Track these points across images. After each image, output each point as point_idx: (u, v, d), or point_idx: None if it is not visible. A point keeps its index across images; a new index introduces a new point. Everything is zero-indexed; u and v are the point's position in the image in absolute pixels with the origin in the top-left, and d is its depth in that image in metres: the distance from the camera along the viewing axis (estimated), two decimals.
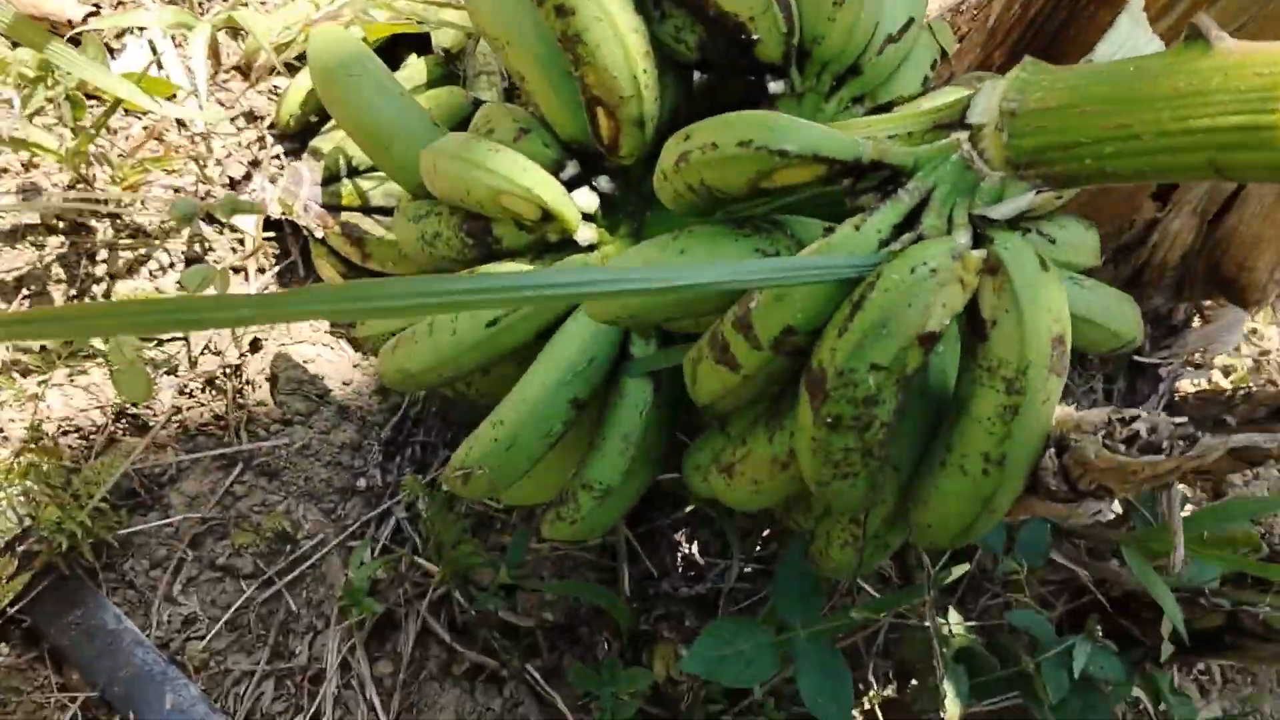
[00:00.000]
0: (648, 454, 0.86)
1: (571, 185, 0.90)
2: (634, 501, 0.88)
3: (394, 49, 1.38)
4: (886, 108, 0.91)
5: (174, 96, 1.29)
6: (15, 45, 1.17)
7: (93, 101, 1.27)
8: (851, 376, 0.62)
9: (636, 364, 0.85)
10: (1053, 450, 0.64)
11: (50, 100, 1.12)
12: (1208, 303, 1.22)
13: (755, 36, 0.81)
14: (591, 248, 0.90)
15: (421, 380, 0.88)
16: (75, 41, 1.34)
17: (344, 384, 1.28)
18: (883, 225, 0.65)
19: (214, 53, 1.30)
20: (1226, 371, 1.39)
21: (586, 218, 0.89)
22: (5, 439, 1.14)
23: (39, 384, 1.16)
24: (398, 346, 0.88)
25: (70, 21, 1.29)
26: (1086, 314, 0.81)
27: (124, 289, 1.26)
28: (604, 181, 0.90)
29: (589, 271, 0.49)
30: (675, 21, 0.85)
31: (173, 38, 1.34)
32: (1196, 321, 1.25)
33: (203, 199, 1.32)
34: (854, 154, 0.66)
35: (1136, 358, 1.15)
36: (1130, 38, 0.70)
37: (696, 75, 0.95)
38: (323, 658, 1.10)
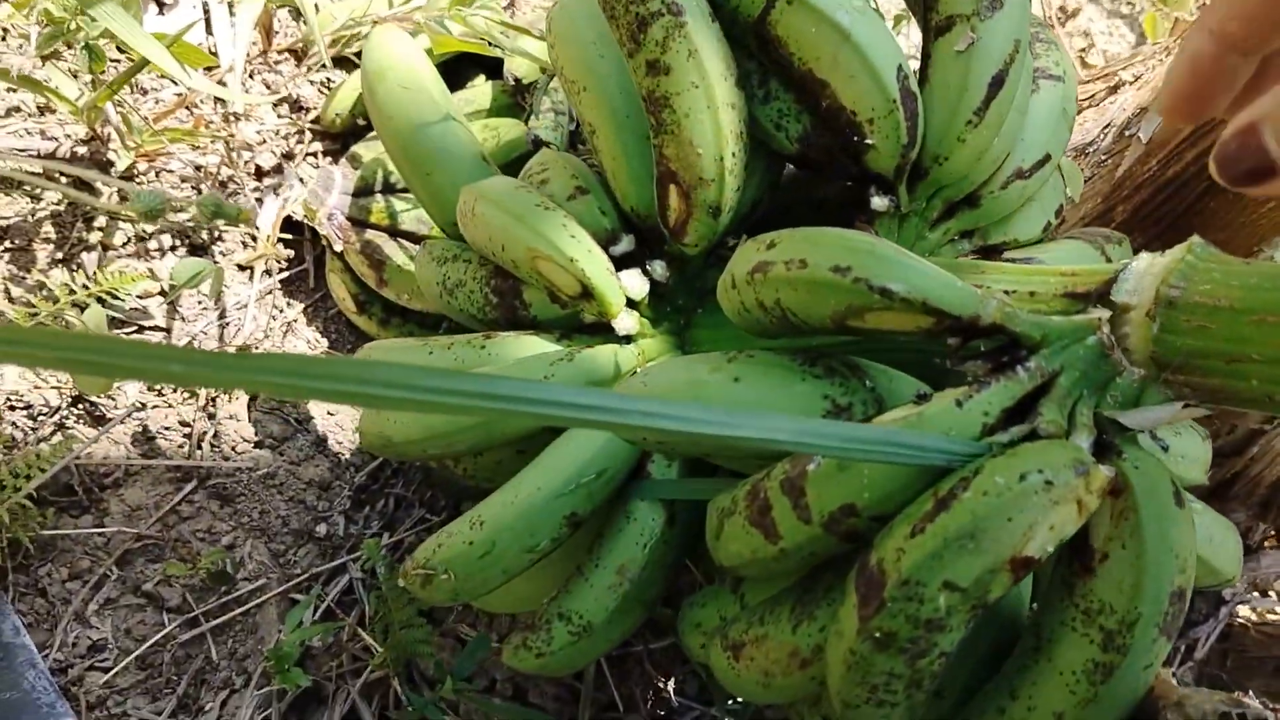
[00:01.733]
0: (642, 593, 0.72)
1: (622, 263, 0.77)
2: (615, 645, 0.75)
3: (462, 66, 1.28)
4: (997, 250, 0.79)
5: (214, 68, 1.18)
6: None
7: (122, 56, 1.16)
8: (918, 590, 0.49)
9: (651, 486, 0.72)
10: None
11: (69, 45, 1.01)
12: None
13: (870, 141, 0.69)
14: (628, 338, 0.78)
15: (404, 451, 0.75)
16: None
17: (329, 413, 1.16)
18: (991, 408, 0.52)
19: (266, 31, 1.20)
20: None
21: (630, 303, 0.77)
22: None
23: None
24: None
25: None
26: None
27: (115, 263, 1.14)
28: (658, 267, 0.78)
29: (616, 398, 0.37)
30: (780, 105, 0.73)
31: (229, 4, 1.24)
32: (1272, 543, 1.12)
33: (223, 184, 1.21)
34: (973, 311, 0.53)
35: None
36: None
37: (788, 166, 0.83)
38: None
